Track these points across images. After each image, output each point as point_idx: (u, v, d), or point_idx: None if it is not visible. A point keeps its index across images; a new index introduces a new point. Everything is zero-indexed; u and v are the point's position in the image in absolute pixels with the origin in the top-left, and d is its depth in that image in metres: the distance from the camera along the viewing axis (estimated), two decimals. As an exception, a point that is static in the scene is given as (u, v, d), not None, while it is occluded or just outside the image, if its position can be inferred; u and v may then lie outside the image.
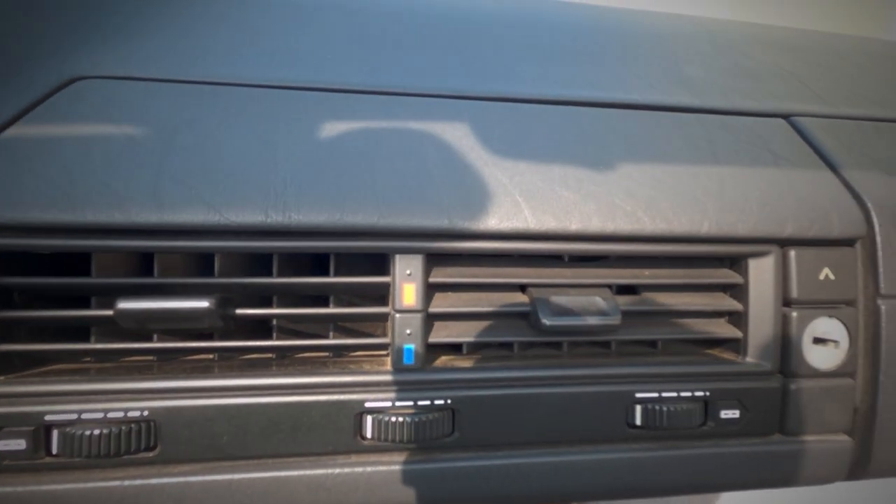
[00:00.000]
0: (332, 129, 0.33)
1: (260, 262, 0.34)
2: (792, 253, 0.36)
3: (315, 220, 0.30)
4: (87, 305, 0.32)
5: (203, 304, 0.30)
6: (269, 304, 0.34)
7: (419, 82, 0.37)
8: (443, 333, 0.34)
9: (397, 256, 0.33)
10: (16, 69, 0.32)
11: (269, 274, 0.33)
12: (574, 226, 0.33)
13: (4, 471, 0.29)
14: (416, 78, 0.37)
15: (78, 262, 0.32)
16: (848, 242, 0.37)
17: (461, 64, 0.40)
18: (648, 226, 0.34)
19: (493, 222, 0.32)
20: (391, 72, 0.37)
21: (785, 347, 0.37)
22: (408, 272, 0.33)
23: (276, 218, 0.30)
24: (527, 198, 0.33)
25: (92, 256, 0.31)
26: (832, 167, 0.40)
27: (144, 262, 0.33)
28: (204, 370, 0.32)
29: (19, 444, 0.29)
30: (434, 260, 0.34)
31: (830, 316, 0.37)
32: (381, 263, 0.35)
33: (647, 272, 0.37)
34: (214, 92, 0.33)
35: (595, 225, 0.33)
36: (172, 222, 0.29)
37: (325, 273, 0.33)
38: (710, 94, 0.43)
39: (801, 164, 0.39)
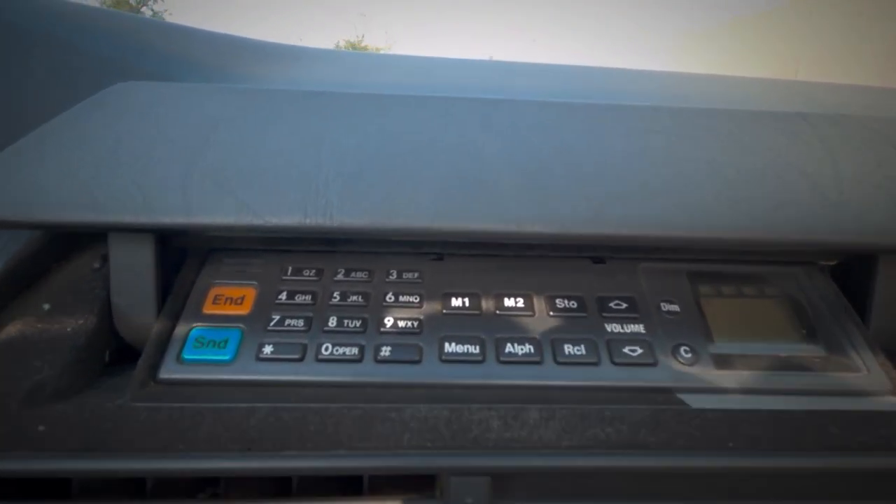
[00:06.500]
0: (372, 131, 0.32)
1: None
2: None
3: (359, 223, 0.27)
4: None
5: None
6: None
7: None
8: None
9: (452, 478, 0.24)
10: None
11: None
12: None
13: None
14: None
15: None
16: None
17: None
18: None
19: None
20: None
21: None
22: (469, 501, 0.24)
23: (316, 218, 0.27)
24: None
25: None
26: None
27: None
28: None
29: None
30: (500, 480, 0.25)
31: None
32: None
33: None
34: (252, 95, 0.33)
35: None
36: (201, 223, 0.27)
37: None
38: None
39: None
